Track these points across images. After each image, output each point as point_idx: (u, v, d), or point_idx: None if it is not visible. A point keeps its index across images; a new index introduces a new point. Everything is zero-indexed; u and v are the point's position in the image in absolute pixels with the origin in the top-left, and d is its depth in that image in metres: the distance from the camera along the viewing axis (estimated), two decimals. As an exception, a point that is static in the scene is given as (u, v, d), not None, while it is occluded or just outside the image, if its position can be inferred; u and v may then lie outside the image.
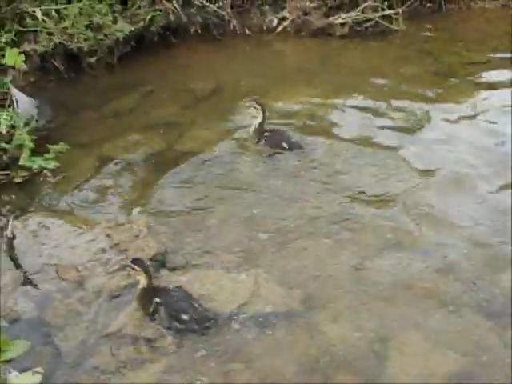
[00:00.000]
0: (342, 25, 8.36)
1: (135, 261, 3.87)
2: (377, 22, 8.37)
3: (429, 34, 8.23)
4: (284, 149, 5.62)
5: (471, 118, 6.13)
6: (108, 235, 4.51)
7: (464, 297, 3.91)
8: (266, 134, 5.72)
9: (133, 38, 7.64)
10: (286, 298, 3.94)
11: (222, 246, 4.43)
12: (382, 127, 6.01)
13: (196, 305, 3.79)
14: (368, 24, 8.40)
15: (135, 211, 4.59)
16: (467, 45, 7.69)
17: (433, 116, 6.18)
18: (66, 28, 7.04)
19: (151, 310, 3.80)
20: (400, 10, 8.28)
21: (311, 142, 5.76)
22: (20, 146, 5.49)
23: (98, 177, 5.39)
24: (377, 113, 6.27)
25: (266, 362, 3.53)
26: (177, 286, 3.92)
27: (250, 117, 5.83)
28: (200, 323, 3.73)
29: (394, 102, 6.47)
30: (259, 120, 5.71)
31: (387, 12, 8.34)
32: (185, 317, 3.73)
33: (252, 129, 5.77)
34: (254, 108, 5.72)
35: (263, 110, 5.70)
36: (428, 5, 8.98)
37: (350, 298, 3.95)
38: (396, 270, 4.17)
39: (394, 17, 8.29)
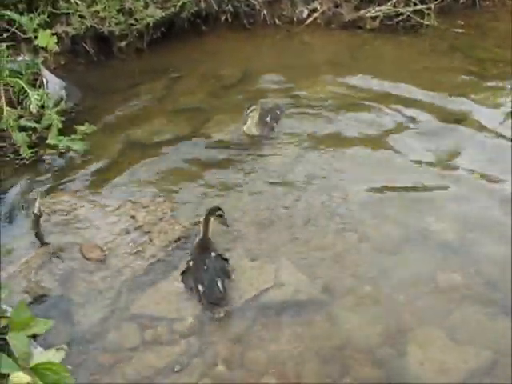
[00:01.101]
0: (373, 18, 8.24)
1: (210, 210, 4.23)
2: (408, 16, 8.23)
3: (461, 30, 8.07)
4: (280, 116, 5.90)
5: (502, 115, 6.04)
6: (132, 217, 4.56)
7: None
8: (268, 118, 5.72)
9: (163, 24, 7.64)
10: (307, 286, 3.95)
11: (245, 231, 4.44)
12: (411, 120, 5.97)
13: (219, 283, 3.84)
14: (399, 18, 8.27)
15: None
16: (499, 42, 7.53)
17: (462, 111, 6.10)
18: (97, 11, 7.07)
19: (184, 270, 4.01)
20: (432, 5, 8.13)
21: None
22: (49, 126, 5.58)
23: (124, 159, 5.43)
24: (405, 106, 6.20)
25: (284, 350, 3.54)
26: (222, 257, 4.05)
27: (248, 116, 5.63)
28: (211, 300, 3.79)
29: (422, 96, 6.39)
30: (257, 116, 5.59)
31: (419, 7, 8.19)
32: (200, 287, 3.82)
33: (255, 126, 5.62)
34: (254, 110, 5.59)
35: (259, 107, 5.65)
36: (461, 1, 8.80)
37: (372, 288, 3.94)
38: (420, 263, 4.15)
39: (426, 12, 8.13)
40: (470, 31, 8.01)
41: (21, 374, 2.90)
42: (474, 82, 6.67)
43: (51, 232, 4.43)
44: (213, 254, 4.02)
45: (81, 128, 5.63)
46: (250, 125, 5.61)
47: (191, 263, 3.99)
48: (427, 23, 8.17)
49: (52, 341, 3.50)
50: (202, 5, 7.95)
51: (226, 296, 3.83)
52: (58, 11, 6.99)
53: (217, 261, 3.99)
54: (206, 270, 3.89)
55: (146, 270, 4.11)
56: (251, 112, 5.57)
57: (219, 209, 4.30)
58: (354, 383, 3.35)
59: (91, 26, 7.09)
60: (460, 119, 5.92)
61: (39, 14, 6.56)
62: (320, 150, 5.50)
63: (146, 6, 7.36)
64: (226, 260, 4.06)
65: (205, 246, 4.11)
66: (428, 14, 8.15)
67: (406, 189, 4.95)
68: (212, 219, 4.21)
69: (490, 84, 6.64)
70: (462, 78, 6.76)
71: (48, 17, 6.65)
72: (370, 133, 5.75)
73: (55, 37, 6.03)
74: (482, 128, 5.75)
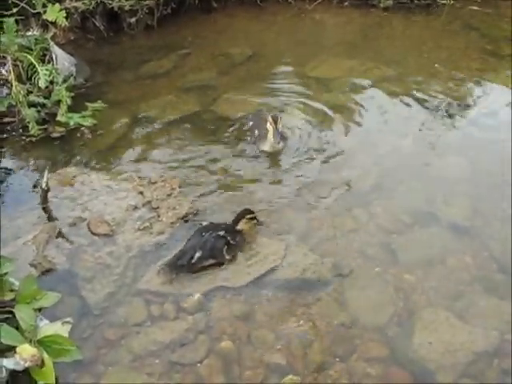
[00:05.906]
0: (387, -4, 8.14)
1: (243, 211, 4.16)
2: (423, -6, 8.11)
3: (476, 8, 7.95)
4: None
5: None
6: (140, 192, 4.54)
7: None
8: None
9: (173, 1, 7.57)
10: (316, 264, 3.92)
11: (255, 209, 4.36)
12: (422, 100, 5.88)
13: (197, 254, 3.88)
14: (414, -4, 8.16)
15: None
16: (516, 21, 7.43)
17: (476, 91, 6.01)
18: (107, -14, 7.03)
19: None
20: (448, -17, 8.01)
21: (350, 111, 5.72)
22: (58, 102, 5.54)
23: (133, 135, 5.42)
24: (418, 86, 6.12)
25: (292, 328, 3.52)
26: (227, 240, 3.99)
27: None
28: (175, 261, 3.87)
29: (436, 76, 6.31)
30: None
31: (434, -16, 8.07)
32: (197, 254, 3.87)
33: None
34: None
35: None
36: (477, -22, 8.64)
37: (381, 268, 3.92)
38: (428, 246, 4.11)
39: (441, -10, 8.02)
40: (486, 9, 7.87)
41: (27, 346, 2.92)
42: (490, 61, 6.56)
43: (59, 207, 4.43)
44: (221, 232, 3.98)
45: (92, 105, 5.62)
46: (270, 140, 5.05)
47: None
48: (442, 2, 8.03)
49: (59, 315, 3.49)
50: (213, -19, 7.86)
51: (192, 269, 3.85)
52: (67, -14, 6.94)
53: (216, 239, 3.94)
54: (199, 237, 3.95)
55: (154, 245, 4.10)
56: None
57: (252, 212, 4.18)
58: (360, 362, 3.33)
59: (101, 1, 7.03)
60: (475, 98, 5.83)
61: (48, -11, 6.49)
62: (330, 129, 5.45)
63: (157, -19, 7.29)
64: (228, 243, 3.97)
65: (224, 226, 4.09)
66: (443, -8, 8.01)
67: (416, 168, 4.91)
68: (243, 221, 4.14)
69: (505, 63, 6.53)
70: (477, 56, 6.66)
71: (57, -9, 6.58)
72: (381, 113, 5.69)
73: (64, 12, 5.96)
74: (496, 106, 5.67)
